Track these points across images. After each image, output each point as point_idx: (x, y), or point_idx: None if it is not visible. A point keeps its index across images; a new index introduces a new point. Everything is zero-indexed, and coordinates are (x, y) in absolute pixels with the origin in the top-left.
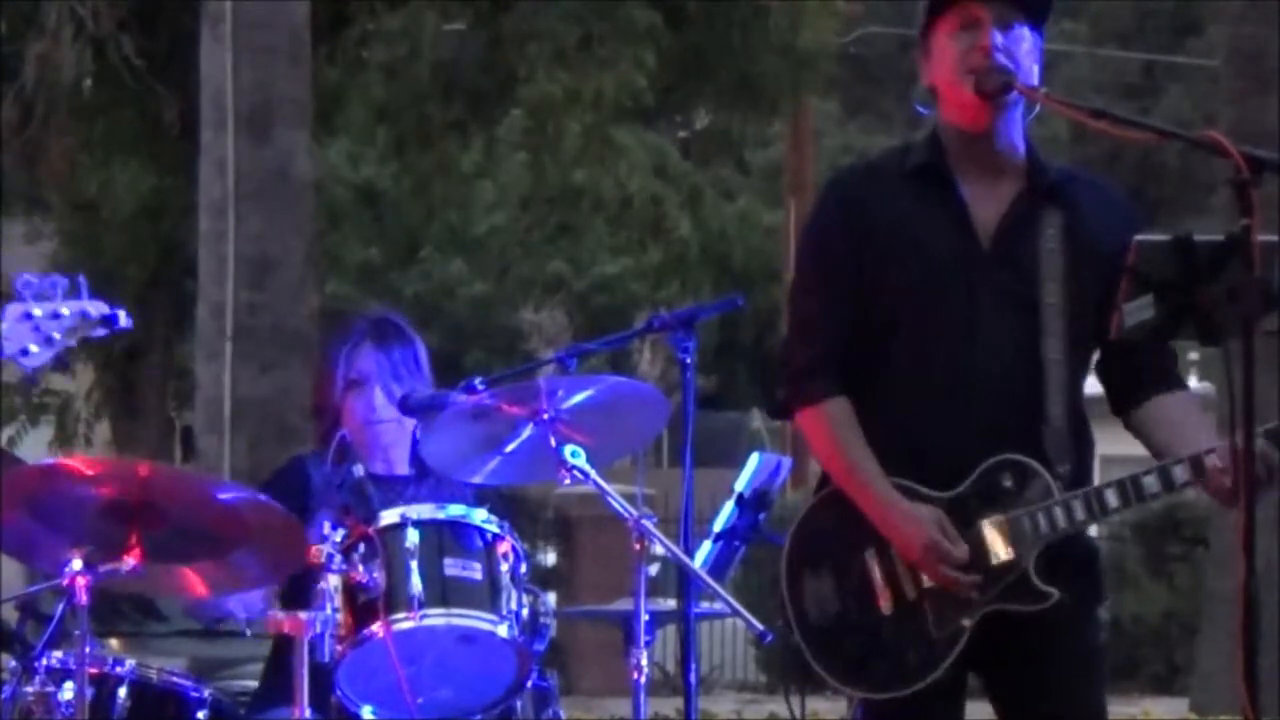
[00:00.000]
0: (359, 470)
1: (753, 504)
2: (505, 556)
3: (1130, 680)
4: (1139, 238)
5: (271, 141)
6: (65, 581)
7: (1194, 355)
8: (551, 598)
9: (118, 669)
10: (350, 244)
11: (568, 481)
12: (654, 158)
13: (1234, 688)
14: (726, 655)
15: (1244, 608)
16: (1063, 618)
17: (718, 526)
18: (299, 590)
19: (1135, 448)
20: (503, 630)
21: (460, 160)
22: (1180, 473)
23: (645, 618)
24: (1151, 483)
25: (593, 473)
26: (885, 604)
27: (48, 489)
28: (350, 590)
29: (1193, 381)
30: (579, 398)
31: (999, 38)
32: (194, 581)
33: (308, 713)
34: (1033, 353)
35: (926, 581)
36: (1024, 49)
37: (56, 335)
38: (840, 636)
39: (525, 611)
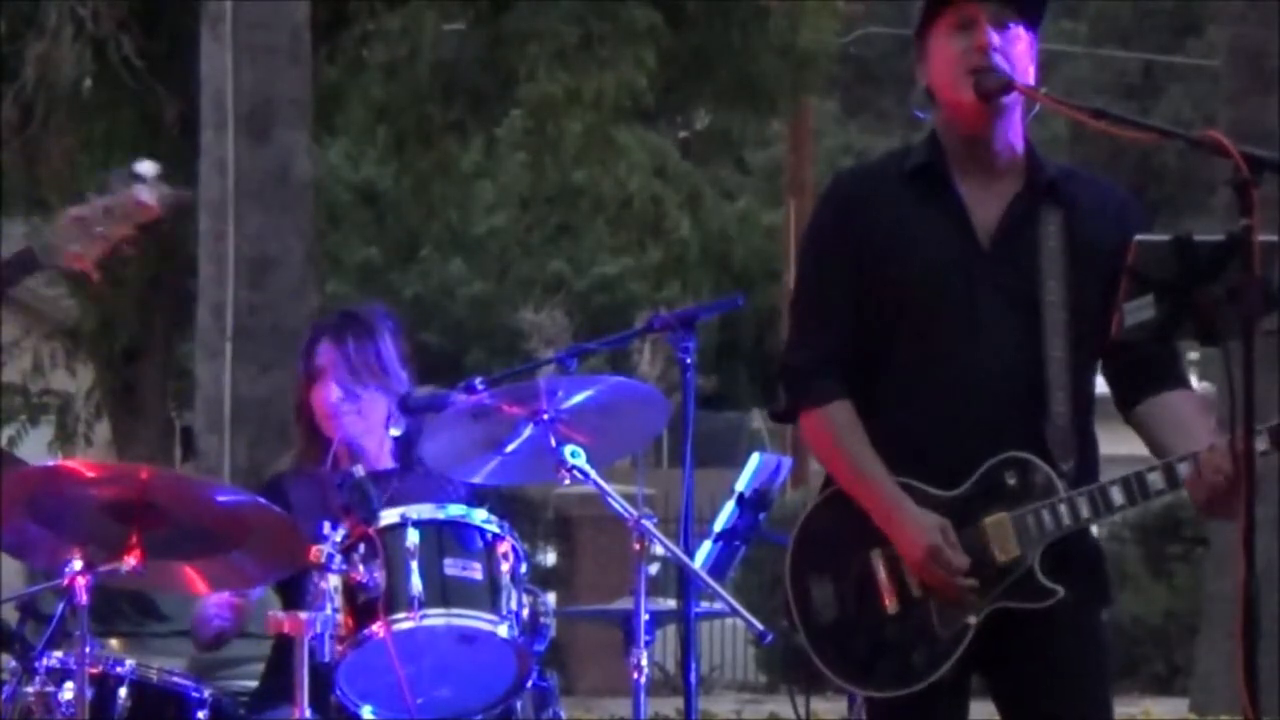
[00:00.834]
0: (359, 470)
1: (753, 504)
2: (505, 556)
3: (1130, 680)
4: (1139, 238)
5: (271, 141)
6: (65, 581)
7: (1194, 355)
8: (551, 598)
9: (118, 669)
10: (350, 244)
11: (568, 481)
12: (654, 158)
13: (1234, 688)
14: (726, 655)
15: (1244, 608)
16: (1067, 617)
17: (718, 526)
18: (297, 590)
19: (1137, 448)
20: (503, 630)
21: (460, 160)
22: (1185, 470)
23: (645, 618)
24: (1156, 480)
25: (593, 473)
26: (890, 603)
27: (48, 491)
28: (350, 590)
29: (1193, 381)
30: (579, 398)
31: (995, 38)
32: (194, 579)
33: (308, 713)
34: (1035, 351)
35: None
36: (1020, 48)
37: (102, 230)
38: (845, 636)
39: (525, 611)
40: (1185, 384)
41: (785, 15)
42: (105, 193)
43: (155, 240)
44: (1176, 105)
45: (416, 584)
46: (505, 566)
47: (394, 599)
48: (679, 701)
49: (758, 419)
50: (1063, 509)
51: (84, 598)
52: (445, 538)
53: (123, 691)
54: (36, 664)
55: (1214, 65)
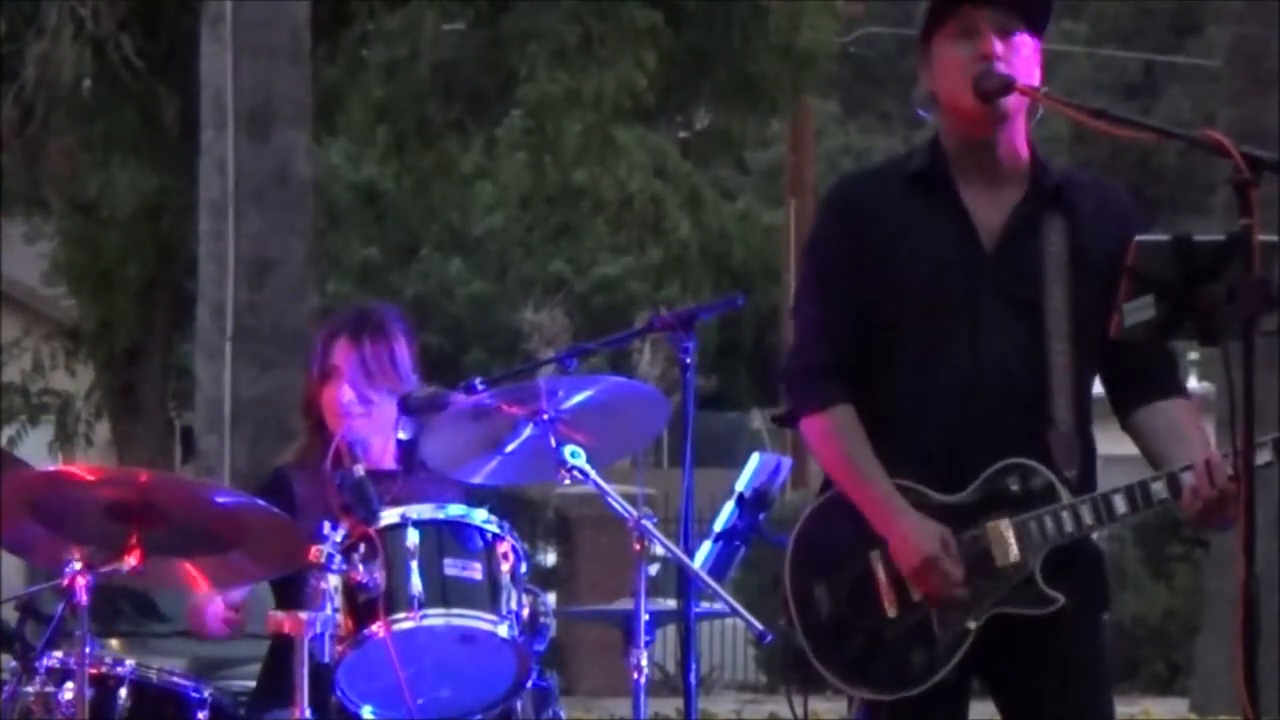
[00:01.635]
0: (359, 470)
1: (753, 504)
2: (505, 556)
3: (1130, 680)
4: (1139, 238)
5: (271, 141)
6: (65, 581)
7: (1194, 355)
8: (551, 598)
9: (118, 669)
10: (350, 244)
11: (568, 481)
12: (654, 158)
13: (1234, 688)
14: (726, 655)
15: (1244, 608)
16: (1066, 622)
17: (718, 526)
18: (294, 590)
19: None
20: (503, 630)
21: (460, 160)
22: (1188, 479)
23: (645, 618)
24: (1160, 489)
25: (593, 473)
26: (890, 605)
27: (49, 493)
28: (350, 590)
29: (1193, 382)
30: (579, 398)
31: (999, 46)
32: (194, 577)
33: (308, 713)
34: (1038, 356)
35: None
36: (1024, 55)
37: None
38: (844, 637)
39: (525, 611)
40: (1182, 392)
41: (785, 15)
42: None
43: (155, 240)
44: (1176, 105)
45: (416, 584)
46: (505, 566)
47: (394, 599)
48: (679, 701)
49: (758, 419)
50: (1065, 516)
51: (84, 598)
52: (445, 538)
53: (123, 691)
54: (36, 664)
55: (1214, 65)
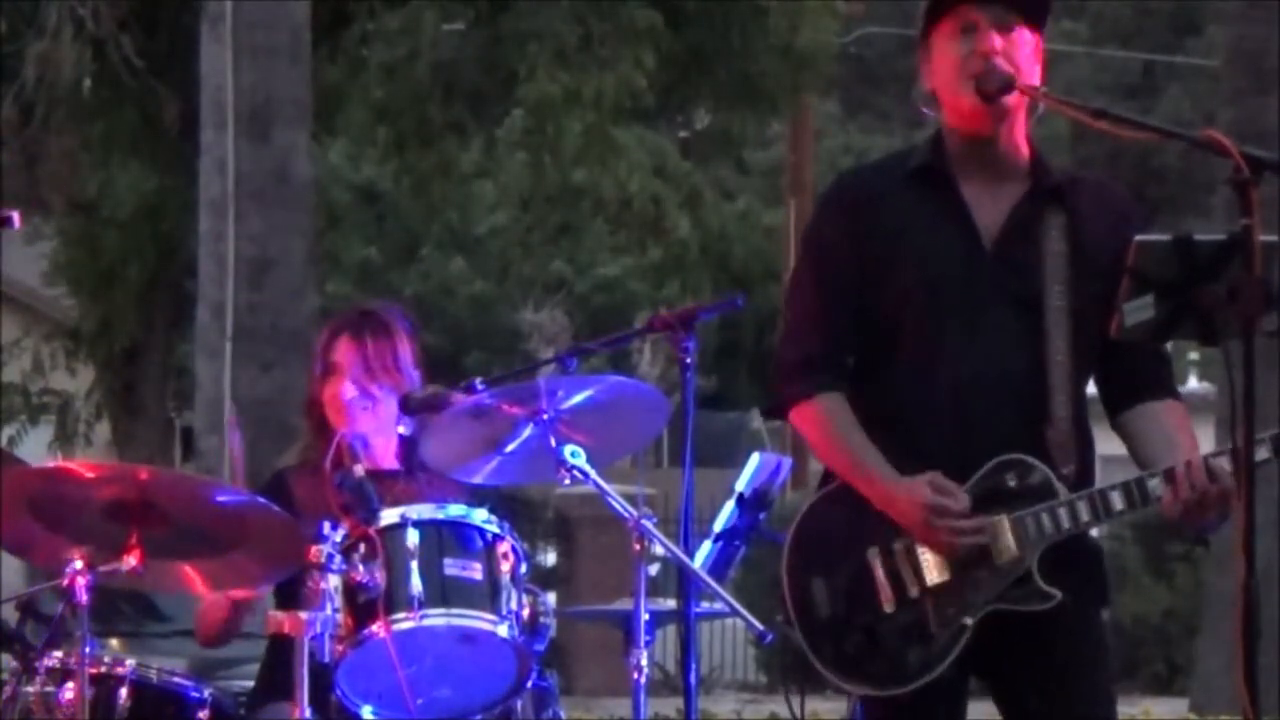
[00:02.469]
0: (359, 470)
1: (753, 504)
2: (505, 556)
3: (1130, 680)
4: (1139, 238)
5: (271, 141)
6: (65, 581)
7: (1194, 355)
8: (551, 598)
9: (118, 669)
10: (350, 244)
11: (568, 481)
12: (654, 158)
13: (1234, 688)
14: (726, 655)
15: (1244, 608)
16: (1065, 619)
17: (718, 526)
18: (294, 590)
19: None
20: (503, 630)
21: (460, 160)
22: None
23: (645, 618)
24: (1157, 486)
25: (593, 473)
26: (887, 602)
27: (49, 491)
28: (350, 590)
29: (1193, 382)
30: (579, 398)
31: (998, 41)
32: (194, 579)
33: (308, 713)
34: (1037, 354)
35: (929, 580)
36: (1024, 52)
37: None
38: (841, 634)
39: (525, 611)
40: (1173, 395)
41: (785, 15)
42: None
43: (155, 240)
44: (1176, 105)
45: (416, 584)
46: (505, 566)
47: (394, 599)
48: (679, 701)
49: (758, 419)
50: (1062, 512)
51: (84, 598)
52: (445, 538)
53: (123, 691)
54: (36, 664)
55: (1214, 65)
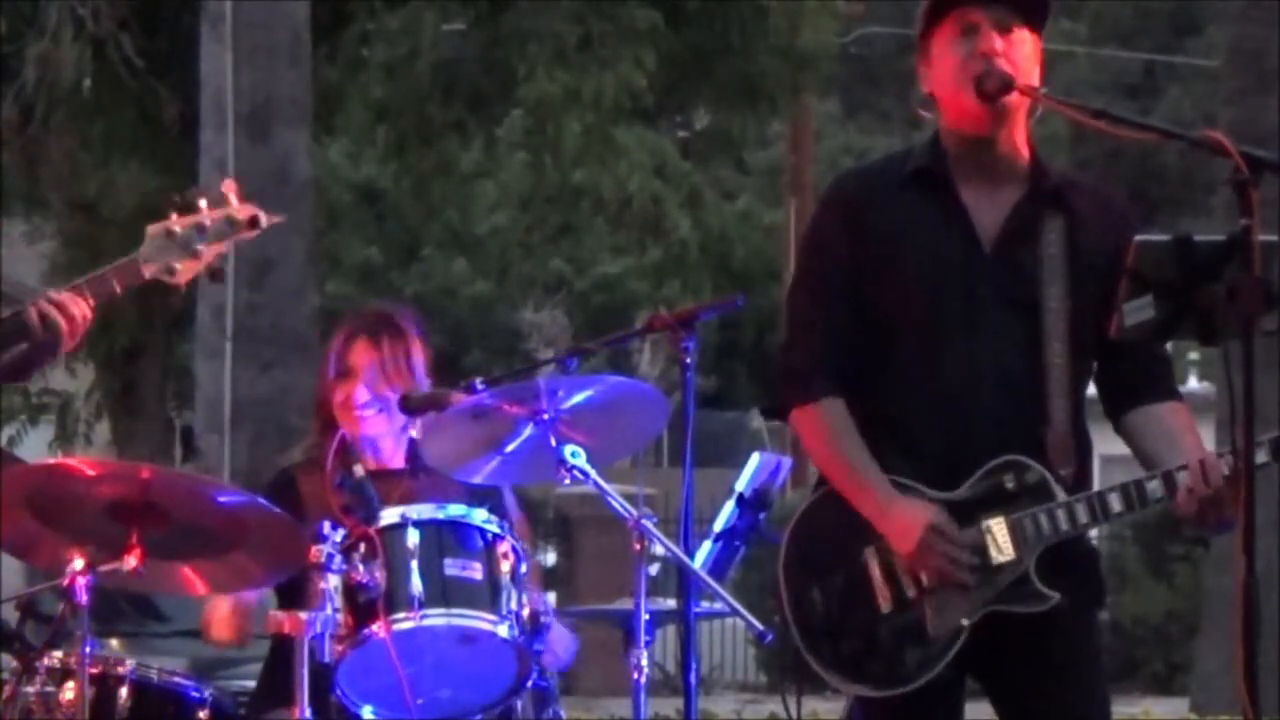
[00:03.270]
0: (360, 470)
1: (753, 504)
2: (505, 556)
3: (1130, 680)
4: (1139, 238)
5: (271, 141)
6: (65, 581)
7: (1194, 355)
8: (551, 598)
9: (118, 669)
10: (350, 244)
11: (568, 481)
12: (654, 158)
13: (1234, 688)
14: (726, 655)
15: (1244, 608)
16: (1061, 620)
17: (718, 526)
18: (295, 590)
19: None
20: (503, 630)
21: (460, 160)
22: (1184, 479)
23: (645, 618)
24: (1155, 488)
25: (593, 473)
26: (884, 602)
27: (49, 489)
28: (350, 590)
29: (1193, 382)
30: (579, 398)
31: (998, 43)
32: (194, 580)
33: (308, 713)
34: (1035, 356)
35: (926, 580)
36: (1024, 53)
37: (200, 247)
38: (838, 634)
39: (525, 611)
40: (1175, 396)
41: (785, 15)
42: (195, 209)
43: None
44: (1176, 105)
45: (417, 584)
46: (505, 566)
47: (394, 599)
48: (679, 701)
49: (757, 419)
50: (1060, 514)
51: (84, 598)
52: (445, 538)
53: (123, 691)
54: (37, 664)
55: (1214, 65)
